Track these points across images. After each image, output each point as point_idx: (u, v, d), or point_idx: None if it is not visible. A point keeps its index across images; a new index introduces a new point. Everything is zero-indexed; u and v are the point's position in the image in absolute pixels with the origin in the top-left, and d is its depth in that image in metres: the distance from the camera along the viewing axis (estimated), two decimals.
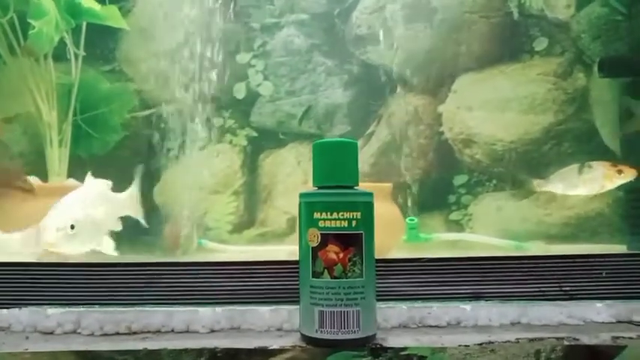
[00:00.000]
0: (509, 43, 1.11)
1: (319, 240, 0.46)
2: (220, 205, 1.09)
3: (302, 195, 0.48)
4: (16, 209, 0.82)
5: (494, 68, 1.10)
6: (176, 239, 1.00)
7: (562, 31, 1.09)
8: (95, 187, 0.78)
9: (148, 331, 0.51)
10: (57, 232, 0.68)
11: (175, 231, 1.00)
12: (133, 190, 0.86)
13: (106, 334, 0.51)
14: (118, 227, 0.81)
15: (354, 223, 0.46)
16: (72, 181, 0.88)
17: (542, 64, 1.09)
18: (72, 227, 0.69)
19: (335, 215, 0.46)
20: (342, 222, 0.46)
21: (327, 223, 0.46)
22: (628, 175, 0.89)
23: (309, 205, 0.47)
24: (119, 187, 0.85)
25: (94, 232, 0.74)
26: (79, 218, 0.71)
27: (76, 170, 0.91)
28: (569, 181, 0.94)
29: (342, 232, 0.46)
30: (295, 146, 1.13)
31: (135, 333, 0.51)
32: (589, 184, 0.90)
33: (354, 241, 0.46)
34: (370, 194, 0.48)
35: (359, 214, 0.46)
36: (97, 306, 0.55)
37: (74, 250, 0.71)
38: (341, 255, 0.46)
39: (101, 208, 0.76)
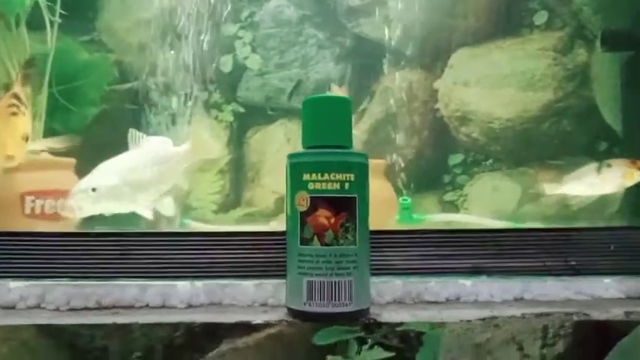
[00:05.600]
0: (508, 16, 1.07)
1: (308, 204, 0.42)
2: (205, 183, 1.04)
3: (290, 156, 0.44)
4: None
5: (491, 43, 1.07)
6: None
7: (563, 4, 1.06)
8: (148, 147, 0.78)
9: (120, 306, 0.47)
10: (76, 196, 0.70)
11: None
12: (195, 137, 0.82)
13: (73, 309, 0.47)
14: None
15: (346, 185, 0.42)
16: None
17: (541, 38, 1.05)
18: (93, 190, 0.71)
19: (326, 177, 0.42)
20: (334, 184, 0.42)
21: (317, 186, 0.42)
22: None
23: (297, 167, 0.43)
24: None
25: (138, 192, 0.75)
26: (105, 182, 0.72)
27: None
28: (586, 181, 0.89)
29: (334, 196, 0.42)
30: (284, 122, 1.09)
31: (105, 308, 0.47)
32: (608, 183, 0.86)
33: (346, 206, 0.42)
34: (364, 155, 0.44)
35: (352, 175, 0.42)
36: (65, 279, 0.50)
37: (104, 210, 0.73)
38: (332, 220, 0.41)
39: (156, 168, 0.76)
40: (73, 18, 0.94)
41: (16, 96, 0.74)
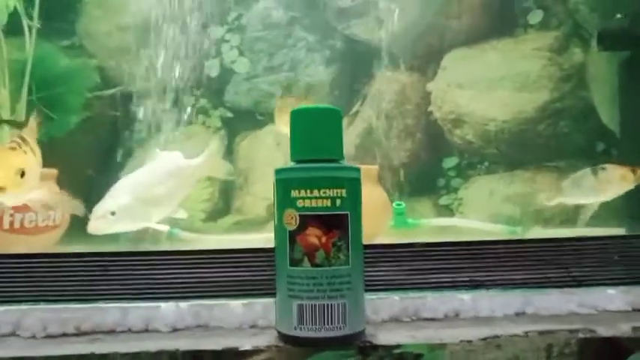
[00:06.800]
0: (502, 15, 1.05)
1: (297, 222, 0.39)
2: (193, 191, 1.01)
3: (277, 171, 0.42)
4: None
5: (485, 43, 1.05)
6: None
7: (558, 3, 1.04)
8: (161, 162, 0.80)
9: (100, 331, 0.44)
10: (96, 220, 0.72)
11: None
12: (210, 153, 0.84)
13: (50, 336, 0.44)
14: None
15: (338, 202, 0.39)
16: None
17: (536, 38, 1.03)
18: (112, 214, 0.72)
19: (315, 193, 0.39)
20: (324, 201, 0.39)
21: (307, 203, 0.39)
22: None
23: (285, 183, 0.40)
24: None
25: (153, 208, 0.77)
26: (122, 203, 0.73)
27: None
28: (585, 186, 0.85)
29: (324, 213, 0.39)
30: (274, 128, 1.06)
31: (85, 334, 0.44)
32: (608, 187, 0.82)
33: (338, 223, 0.39)
34: (357, 169, 0.42)
35: (343, 191, 0.40)
36: (41, 303, 0.48)
37: (122, 229, 0.75)
38: (323, 239, 0.39)
39: (170, 182, 0.79)
40: (53, 22, 0.91)
41: (22, 138, 0.72)
